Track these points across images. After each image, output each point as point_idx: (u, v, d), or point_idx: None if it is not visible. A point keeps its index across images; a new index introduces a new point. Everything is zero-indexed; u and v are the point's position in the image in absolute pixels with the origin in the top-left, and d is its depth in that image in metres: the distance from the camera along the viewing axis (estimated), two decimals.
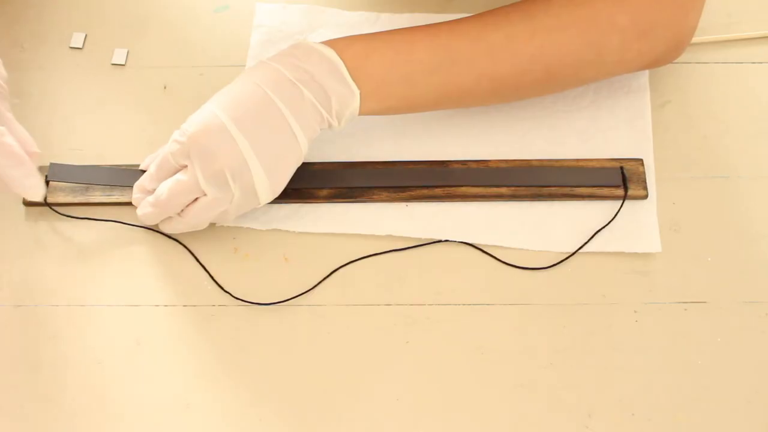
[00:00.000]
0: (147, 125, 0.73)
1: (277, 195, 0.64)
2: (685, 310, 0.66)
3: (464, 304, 0.66)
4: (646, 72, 0.74)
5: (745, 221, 0.69)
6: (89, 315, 0.66)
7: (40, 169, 0.68)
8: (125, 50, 0.76)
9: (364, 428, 0.62)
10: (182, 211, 0.64)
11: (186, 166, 0.63)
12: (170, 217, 0.65)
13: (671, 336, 0.65)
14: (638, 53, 0.67)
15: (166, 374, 0.64)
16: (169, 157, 0.63)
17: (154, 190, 0.65)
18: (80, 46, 0.76)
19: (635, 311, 0.66)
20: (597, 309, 0.66)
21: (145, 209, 0.65)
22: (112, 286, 0.67)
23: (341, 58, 0.63)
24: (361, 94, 0.63)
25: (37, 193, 0.62)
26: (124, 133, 0.72)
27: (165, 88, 0.74)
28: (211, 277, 0.67)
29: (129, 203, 0.67)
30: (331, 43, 0.64)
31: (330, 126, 0.64)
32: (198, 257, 0.67)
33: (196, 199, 0.63)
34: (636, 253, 0.67)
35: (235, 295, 0.66)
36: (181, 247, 0.68)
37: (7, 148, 0.60)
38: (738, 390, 0.63)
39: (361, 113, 0.65)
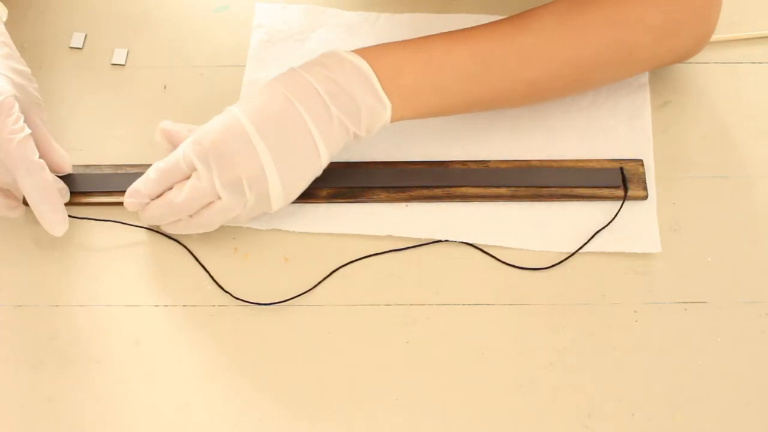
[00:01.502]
0: (147, 125, 0.72)
1: (289, 203, 0.64)
2: (685, 310, 0.66)
3: (464, 304, 0.66)
4: (646, 71, 0.74)
5: (745, 221, 0.69)
6: (89, 315, 0.66)
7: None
8: (125, 50, 0.76)
9: (364, 428, 0.62)
10: (194, 214, 0.63)
11: (195, 171, 0.62)
12: (179, 219, 0.65)
13: (671, 336, 0.65)
14: (668, 51, 0.67)
15: (166, 374, 0.64)
16: (181, 161, 0.62)
17: (151, 194, 0.64)
18: (80, 46, 0.76)
19: (635, 311, 0.66)
20: (597, 309, 0.66)
21: (152, 212, 0.64)
22: (112, 286, 0.67)
23: (373, 69, 0.62)
24: (393, 104, 0.63)
25: (61, 230, 0.63)
26: (124, 133, 0.72)
27: (165, 88, 0.75)
28: (211, 277, 0.67)
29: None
30: (362, 53, 0.63)
31: (356, 137, 0.64)
32: (198, 257, 0.67)
33: (211, 202, 0.63)
34: (636, 253, 0.67)
35: (236, 295, 0.66)
36: (181, 247, 0.68)
37: (43, 183, 0.62)
38: (738, 390, 0.63)
39: (392, 121, 0.64)
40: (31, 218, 0.69)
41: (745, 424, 0.62)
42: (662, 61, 0.69)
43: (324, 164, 0.64)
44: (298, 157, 0.62)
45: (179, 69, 0.75)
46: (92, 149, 0.72)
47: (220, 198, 0.62)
